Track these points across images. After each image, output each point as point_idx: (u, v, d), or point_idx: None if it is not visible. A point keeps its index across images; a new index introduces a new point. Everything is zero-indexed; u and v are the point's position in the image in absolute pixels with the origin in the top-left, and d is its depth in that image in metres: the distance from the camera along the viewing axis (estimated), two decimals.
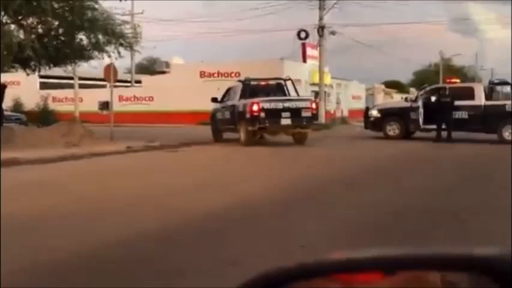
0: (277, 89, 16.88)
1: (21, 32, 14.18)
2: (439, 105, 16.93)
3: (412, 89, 45.94)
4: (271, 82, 17.13)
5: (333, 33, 28.81)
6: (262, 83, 16.84)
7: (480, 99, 16.88)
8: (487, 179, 8.96)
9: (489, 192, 7.49)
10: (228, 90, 17.55)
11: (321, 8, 28.25)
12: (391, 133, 18.09)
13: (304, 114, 15.37)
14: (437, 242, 4.62)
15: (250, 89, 16.12)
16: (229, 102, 16.67)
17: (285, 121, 15.26)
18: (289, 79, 16.96)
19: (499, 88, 19.36)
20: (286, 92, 16.71)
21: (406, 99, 21.52)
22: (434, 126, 17.20)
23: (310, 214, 5.91)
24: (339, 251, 0.84)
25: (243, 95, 15.97)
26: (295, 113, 15.25)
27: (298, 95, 16.94)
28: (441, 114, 16.83)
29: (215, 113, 17.78)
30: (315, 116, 16.26)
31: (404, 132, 17.96)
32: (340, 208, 6.28)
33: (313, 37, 29.11)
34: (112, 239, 4.76)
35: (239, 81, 17.22)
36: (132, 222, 5.46)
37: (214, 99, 17.77)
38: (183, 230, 5.19)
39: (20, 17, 14.19)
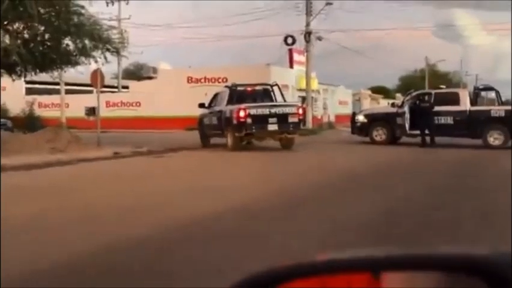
0: (264, 94, 16.94)
1: (7, 37, 14.05)
2: (419, 111, 17.11)
3: (398, 95, 46.34)
4: (258, 88, 17.19)
5: (319, 38, 29.00)
6: (249, 88, 16.89)
7: (465, 105, 17.05)
8: (481, 189, 8.41)
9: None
10: (215, 96, 17.57)
11: (308, 13, 28.43)
12: (377, 138, 18.22)
13: (291, 119, 15.44)
14: None
15: (237, 95, 16.16)
16: (217, 108, 16.69)
17: (272, 127, 15.31)
18: (276, 85, 17.03)
19: (484, 94, 19.62)
20: (273, 97, 16.77)
21: (392, 105, 21.69)
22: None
23: (297, 221, 5.94)
24: (323, 252, 0.85)
25: (230, 101, 16.00)
26: (282, 118, 15.31)
27: (284, 100, 17.00)
28: (422, 119, 16.99)
29: (202, 118, 17.80)
30: (301, 122, 16.33)
31: (391, 137, 18.08)
32: (326, 214, 6.32)
33: (300, 43, 29.31)
34: (98, 245, 4.74)
35: (226, 86, 17.25)
36: (119, 228, 5.44)
37: (201, 105, 17.78)
38: (171, 236, 5.18)
39: (5, 22, 14.08)
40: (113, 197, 7.62)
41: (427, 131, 17.00)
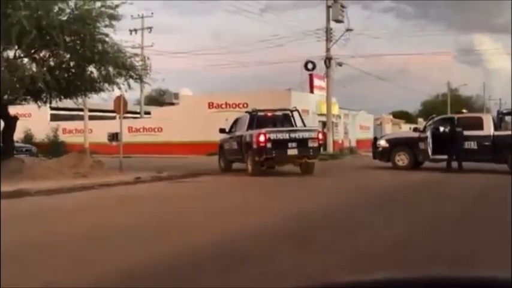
0: (284, 119, 17.00)
1: (34, 65, 14.42)
2: (451, 135, 16.90)
3: (420, 119, 46.02)
4: (278, 113, 17.27)
5: (339, 64, 29.11)
6: (269, 113, 16.98)
7: (489, 130, 16.83)
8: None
9: None
10: (235, 121, 17.69)
11: (328, 40, 28.61)
12: (399, 163, 18.01)
13: (311, 144, 15.41)
14: None
15: (257, 120, 16.25)
16: (237, 133, 16.79)
17: (292, 151, 15.30)
18: (296, 110, 17.09)
19: (508, 118, 19.31)
20: (293, 122, 16.81)
21: (414, 130, 21.48)
22: (443, 157, 17.14)
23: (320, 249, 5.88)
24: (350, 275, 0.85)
25: (250, 126, 16.08)
26: (302, 143, 15.29)
27: (305, 125, 17.01)
28: (453, 144, 16.78)
29: (223, 143, 17.90)
30: (321, 146, 16.27)
31: (413, 162, 17.88)
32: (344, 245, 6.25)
33: (321, 68, 29.46)
34: (119, 271, 4.76)
35: (246, 112, 17.36)
36: (140, 253, 5.46)
37: (222, 130, 17.90)
38: (191, 261, 5.18)
39: (33, 51, 14.46)
40: (133, 221, 7.66)
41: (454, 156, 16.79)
